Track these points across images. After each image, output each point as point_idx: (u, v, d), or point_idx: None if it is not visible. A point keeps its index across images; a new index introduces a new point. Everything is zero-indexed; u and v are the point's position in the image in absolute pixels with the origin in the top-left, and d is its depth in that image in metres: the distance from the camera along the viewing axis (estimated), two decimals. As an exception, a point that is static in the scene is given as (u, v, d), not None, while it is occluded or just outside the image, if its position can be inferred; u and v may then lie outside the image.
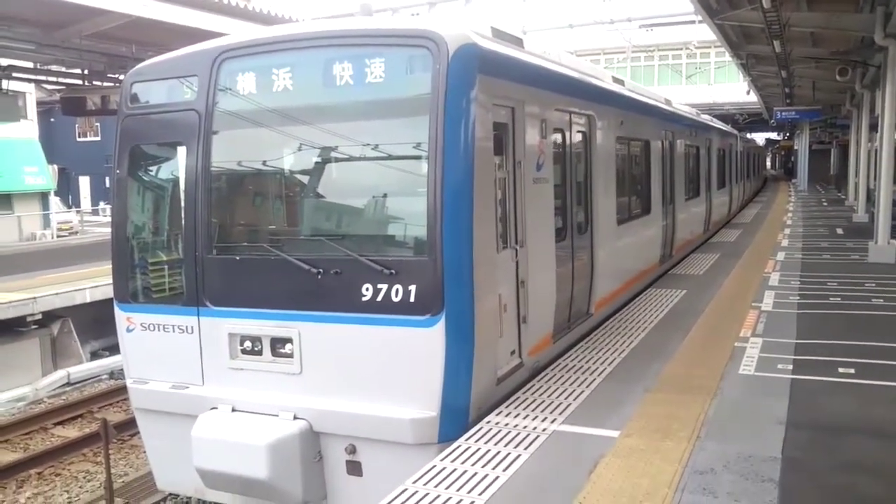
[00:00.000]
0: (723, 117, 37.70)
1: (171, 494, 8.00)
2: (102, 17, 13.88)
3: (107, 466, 8.08)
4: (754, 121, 48.83)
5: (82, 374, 13.45)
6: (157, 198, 7.17)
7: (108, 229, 7.23)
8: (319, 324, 6.02)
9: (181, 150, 6.66)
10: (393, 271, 5.71)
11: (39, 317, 13.61)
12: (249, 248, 6.44)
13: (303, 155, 6.48)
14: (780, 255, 14.92)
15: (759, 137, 66.52)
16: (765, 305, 10.00)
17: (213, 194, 6.50)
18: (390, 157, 6.16)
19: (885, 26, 12.85)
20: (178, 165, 6.76)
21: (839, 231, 19.65)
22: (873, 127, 24.86)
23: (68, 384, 13.12)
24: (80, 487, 9.01)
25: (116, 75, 16.65)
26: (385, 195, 6.28)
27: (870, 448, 5.23)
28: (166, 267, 6.93)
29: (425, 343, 5.66)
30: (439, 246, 5.59)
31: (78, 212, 38.25)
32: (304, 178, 6.65)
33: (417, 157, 5.83)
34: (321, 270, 5.96)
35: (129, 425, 9.73)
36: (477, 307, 5.79)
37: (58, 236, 31.46)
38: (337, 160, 6.34)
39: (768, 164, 75.64)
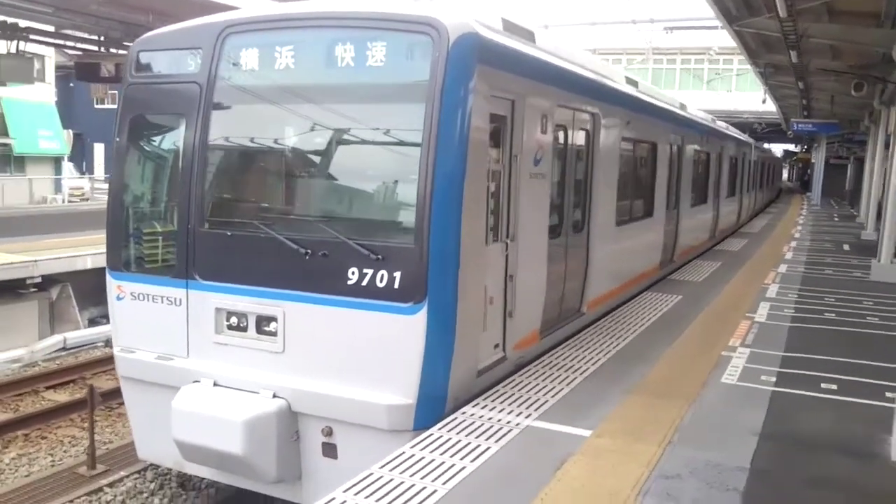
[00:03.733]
0: (741, 126, 37.48)
1: (151, 465, 8.08)
2: (121, -16, 13.93)
3: (91, 432, 8.16)
4: (773, 131, 48.47)
5: (78, 340, 13.53)
6: (154, 168, 7.23)
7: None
8: (304, 304, 6.05)
9: (181, 122, 6.69)
10: (379, 257, 5.73)
11: (39, 280, 13.71)
12: (241, 225, 6.44)
13: (299, 134, 6.52)
14: (783, 268, 14.85)
15: (778, 148, 66.09)
16: (758, 316, 9.97)
17: (209, 168, 6.53)
18: (385, 143, 6.17)
19: (904, 43, 12.73)
20: (176, 137, 6.78)
21: (846, 247, 19.54)
22: (888, 144, 24.67)
23: (64, 349, 13.21)
24: (64, 451, 9.09)
25: (132, 43, 16.68)
26: (377, 180, 6.32)
27: (839, 465, 5.23)
28: (159, 238, 6.97)
29: (406, 330, 5.68)
30: (426, 234, 5.60)
31: (90, 178, 38.45)
32: (299, 158, 6.67)
33: (411, 144, 5.83)
34: (309, 251, 5.98)
35: (119, 393, 9.78)
36: (460, 298, 5.80)
37: (69, 201, 31.68)
38: (332, 142, 6.35)
39: (785, 175, 75.17)
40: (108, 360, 12.48)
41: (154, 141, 7.29)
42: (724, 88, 45.31)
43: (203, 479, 7.54)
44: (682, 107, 14.96)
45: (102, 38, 16.23)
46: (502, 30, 6.79)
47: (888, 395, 6.76)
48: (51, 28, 17.57)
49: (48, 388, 11.38)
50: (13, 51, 16.18)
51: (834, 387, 7.00)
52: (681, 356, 7.81)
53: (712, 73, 45.97)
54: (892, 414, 5.60)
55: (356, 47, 5.91)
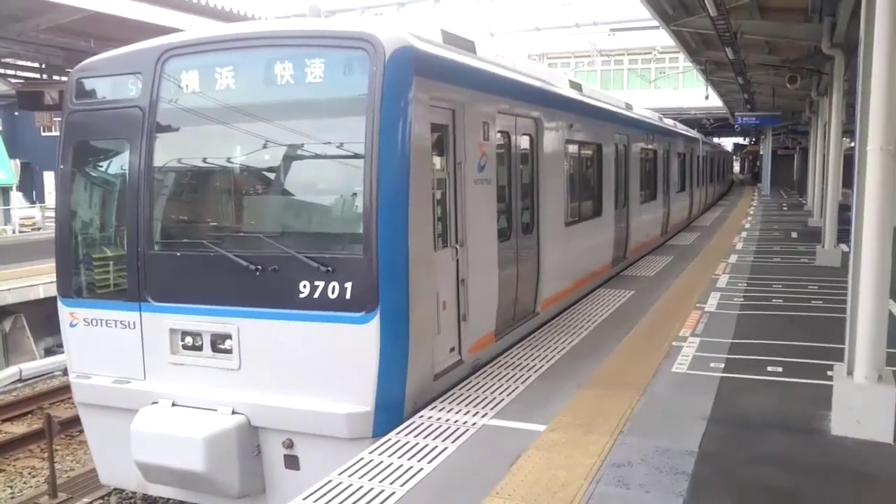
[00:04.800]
0: (689, 122, 38.22)
1: (115, 489, 8.03)
2: (60, 11, 13.78)
3: (50, 461, 8.10)
4: (721, 125, 49.52)
5: (35, 371, 13.31)
6: (100, 194, 7.21)
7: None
8: (258, 320, 6.12)
9: (125, 147, 6.71)
10: (330, 269, 5.83)
11: (-10, 312, 13.53)
12: (190, 245, 6.49)
13: (244, 153, 6.58)
14: (733, 258, 15.25)
15: (728, 142, 67.52)
16: (708, 306, 10.26)
17: (155, 190, 6.58)
18: (329, 157, 6.28)
19: (832, 36, 13.21)
20: (121, 161, 6.80)
21: (793, 235, 20.11)
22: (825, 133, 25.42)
23: (20, 380, 13.00)
24: (24, 483, 8.98)
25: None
26: (323, 193, 6.44)
27: (782, 442, 5.46)
28: (109, 263, 6.97)
29: (360, 339, 5.78)
30: (374, 244, 5.72)
31: (41, 207, 37.71)
32: (245, 176, 6.73)
33: (354, 157, 5.94)
34: (259, 267, 6.06)
35: (79, 421, 9.70)
36: (412, 304, 5.92)
37: (19, 232, 31.07)
38: (277, 158, 6.44)
39: (736, 168, 76.77)
40: (67, 389, 12.34)
41: (99, 166, 7.28)
42: (671, 86, 46.16)
43: (168, 499, 7.52)
44: (628, 107, 15.30)
45: (44, 66, 16.06)
46: (442, 42, 6.95)
47: (829, 373, 7.01)
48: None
49: (5, 420, 11.20)
50: (-49, 82, 15.92)
51: (779, 369, 7.27)
52: (632, 349, 8.03)
53: (658, 73, 46.82)
54: (831, 391, 5.84)
55: (295, 65, 6.02)
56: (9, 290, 13.90)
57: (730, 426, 5.77)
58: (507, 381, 6.85)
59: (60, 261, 7.03)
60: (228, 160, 6.70)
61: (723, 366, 7.39)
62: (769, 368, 7.30)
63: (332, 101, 6.10)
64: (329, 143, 6.21)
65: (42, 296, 14.15)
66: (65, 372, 13.75)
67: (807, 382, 6.86)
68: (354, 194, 5.97)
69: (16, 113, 42.45)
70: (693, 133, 27.55)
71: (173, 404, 6.40)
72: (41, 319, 14.23)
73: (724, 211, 29.77)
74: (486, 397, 6.39)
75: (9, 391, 12.75)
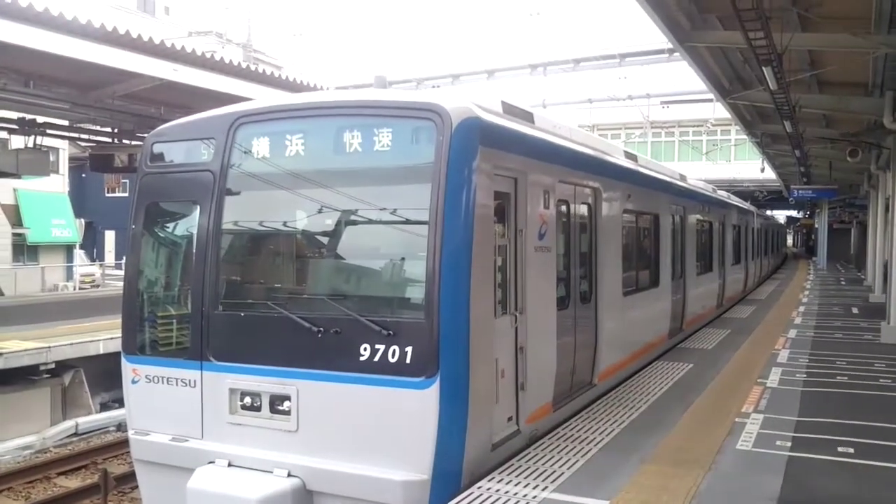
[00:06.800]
0: (742, 194, 37.92)
1: (165, 549, 7.98)
2: (135, 79, 14.43)
3: (104, 518, 8.14)
4: (774, 198, 48.97)
5: (90, 425, 13.55)
6: (168, 253, 7.42)
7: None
8: (317, 382, 6.14)
9: (195, 209, 6.91)
10: (391, 332, 5.84)
11: (52, 366, 13.82)
12: (254, 306, 6.60)
13: (310, 217, 6.73)
14: (792, 333, 14.84)
15: (781, 215, 66.62)
16: (770, 382, 9.95)
17: (223, 251, 6.73)
18: (394, 222, 6.37)
19: (894, 111, 13.07)
20: (190, 223, 6.99)
21: (854, 310, 19.52)
22: (888, 207, 24.90)
23: (76, 434, 13.21)
24: (76, 538, 9.04)
25: (145, 134, 17.18)
26: (387, 258, 6.49)
27: (860, 529, 5.20)
28: (174, 321, 7.10)
29: (419, 405, 5.74)
30: (436, 309, 5.72)
31: (101, 265, 38.84)
32: (311, 239, 6.88)
33: (419, 223, 6.01)
34: (321, 329, 6.10)
35: (131, 478, 9.74)
36: (472, 371, 5.88)
37: (80, 288, 31.99)
38: (342, 223, 6.56)
39: (789, 241, 75.53)
40: (121, 445, 12.50)
41: (168, 227, 7.51)
42: (723, 158, 46.00)
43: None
44: (682, 178, 15.25)
45: (116, 130, 16.74)
46: (502, 112, 7.07)
47: (906, 457, 6.73)
48: (66, 122, 18.16)
49: (60, 473, 11.34)
50: (30, 145, 16.66)
51: (851, 450, 6.97)
52: (694, 424, 7.80)
53: (710, 144, 46.73)
54: (909, 476, 5.57)
55: (363, 134, 6.18)
56: (70, 344, 14.26)
57: (802, 509, 5.53)
58: (567, 453, 6.69)
59: (127, 318, 7.19)
60: (295, 224, 6.85)
61: (790, 444, 7.12)
62: (839, 449, 7.01)
63: (399, 169, 6.23)
64: (394, 209, 6.30)
65: (101, 351, 14.48)
66: (119, 427, 13.95)
67: (882, 465, 6.55)
68: (418, 259, 6.01)
69: (83, 175, 44.28)
70: (747, 205, 27.27)
71: (230, 464, 6.41)
72: (99, 375, 14.53)
73: (780, 284, 29.12)
74: (545, 470, 6.24)
75: (64, 445, 12.94)
